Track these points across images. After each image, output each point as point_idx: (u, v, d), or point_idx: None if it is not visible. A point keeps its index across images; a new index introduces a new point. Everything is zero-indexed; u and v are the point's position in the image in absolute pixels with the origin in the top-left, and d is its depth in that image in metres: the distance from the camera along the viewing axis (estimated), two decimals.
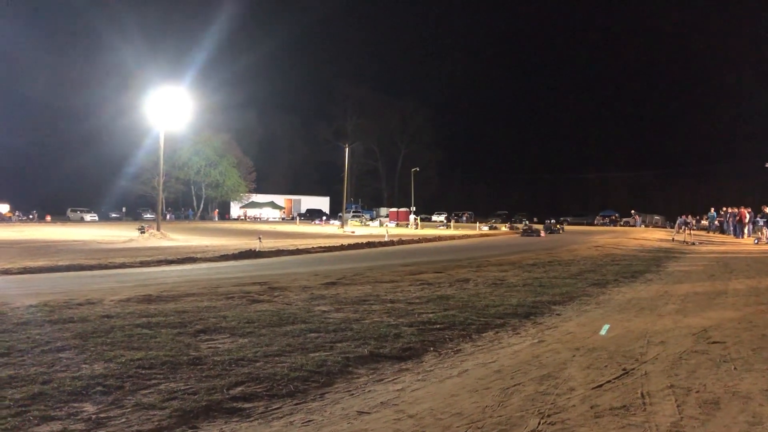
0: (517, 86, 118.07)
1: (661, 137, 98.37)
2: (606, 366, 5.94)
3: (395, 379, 5.64)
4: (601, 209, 78.61)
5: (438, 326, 7.83)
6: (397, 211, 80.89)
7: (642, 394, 5.00)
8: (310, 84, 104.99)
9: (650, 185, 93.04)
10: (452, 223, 61.58)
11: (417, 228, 52.86)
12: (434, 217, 76.77)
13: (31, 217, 69.49)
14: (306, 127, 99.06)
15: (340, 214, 63.49)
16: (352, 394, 5.16)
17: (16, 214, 69.40)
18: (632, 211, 68.99)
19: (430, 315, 8.59)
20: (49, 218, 67.98)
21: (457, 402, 4.93)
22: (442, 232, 45.18)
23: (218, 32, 69.36)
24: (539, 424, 4.35)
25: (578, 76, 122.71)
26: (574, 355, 6.43)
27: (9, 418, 4.25)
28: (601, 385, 5.27)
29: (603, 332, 7.63)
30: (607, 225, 66.91)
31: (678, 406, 4.67)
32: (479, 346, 7.00)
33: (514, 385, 5.35)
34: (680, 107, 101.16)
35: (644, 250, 25.39)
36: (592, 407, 4.68)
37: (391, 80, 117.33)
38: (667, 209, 71.77)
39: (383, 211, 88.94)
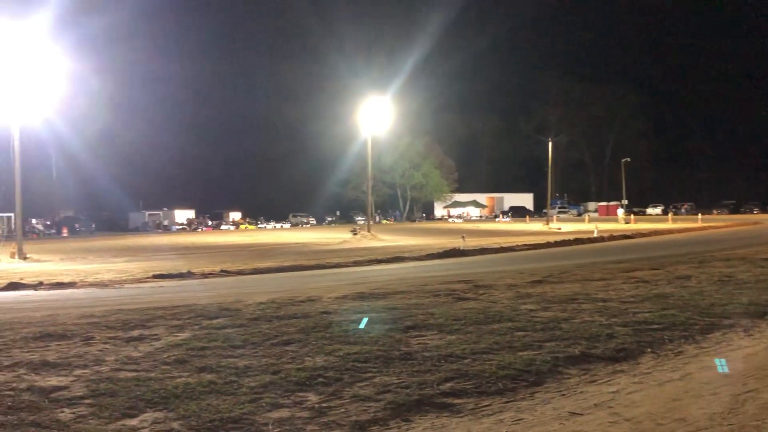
0: (743, 64, 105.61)
1: None
2: None
3: (609, 380, 5.38)
4: None
5: (655, 326, 7.32)
6: (607, 205, 77.03)
7: None
8: (510, 80, 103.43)
9: None
10: (670, 216, 57.07)
11: (629, 222, 49.85)
12: (649, 210, 71.87)
13: (258, 222, 76.82)
14: (507, 124, 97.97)
15: (544, 210, 61.94)
16: (563, 395, 5.01)
17: (247, 220, 77.21)
18: None
19: (647, 314, 8.06)
20: (273, 223, 74.73)
21: (679, 407, 4.58)
22: (659, 225, 42.12)
23: (424, 43, 71.17)
24: None
25: None
26: None
27: (246, 404, 4.73)
28: None
29: None
30: None
31: None
32: (704, 348, 6.43)
33: (748, 392, 4.84)
34: None
35: None
36: None
37: (596, 67, 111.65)
38: None
39: (591, 205, 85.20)
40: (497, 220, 72.03)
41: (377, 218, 76.41)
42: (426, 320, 7.84)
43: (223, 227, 68.98)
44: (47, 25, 24.22)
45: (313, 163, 78.59)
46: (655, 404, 4.68)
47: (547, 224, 48.53)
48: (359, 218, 73.85)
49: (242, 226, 70.95)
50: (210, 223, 72.77)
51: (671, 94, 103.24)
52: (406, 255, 20.77)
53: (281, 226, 72.03)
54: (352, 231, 37.79)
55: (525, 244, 24.54)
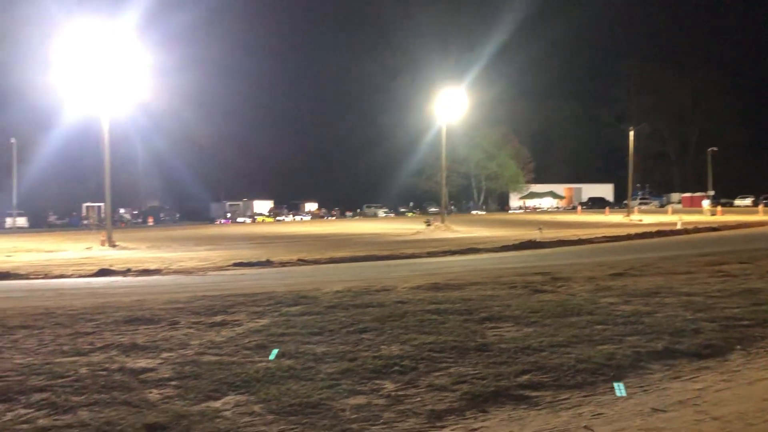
0: None
1: None
2: None
3: (694, 377, 5.18)
4: None
5: (745, 322, 6.99)
6: (691, 197, 73.97)
7: None
8: (590, 67, 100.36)
9: None
10: (761, 207, 54.18)
11: (715, 214, 47.69)
12: (737, 201, 68.51)
13: (333, 213, 78.02)
14: (586, 113, 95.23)
15: (625, 201, 60.04)
16: (645, 390, 4.86)
17: (323, 211, 78.55)
18: None
19: (735, 310, 7.70)
20: (349, 214, 75.68)
21: None
22: (748, 218, 40.09)
23: (502, 30, 70.21)
24: None
25: None
26: None
27: (324, 390, 4.83)
28: None
29: None
30: None
31: None
32: None
33: None
34: None
35: None
36: None
37: (681, 53, 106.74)
38: None
39: (674, 196, 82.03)
40: (575, 211, 70.34)
41: (451, 209, 76.14)
42: (502, 312, 7.76)
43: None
44: (133, 23, 25.33)
45: (387, 153, 78.94)
46: (745, 403, 4.47)
47: (628, 216, 47.01)
48: (433, 209, 73.76)
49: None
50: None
51: (762, 80, 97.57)
52: (480, 246, 20.59)
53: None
54: (425, 222, 37.78)
55: (604, 236, 23.88)
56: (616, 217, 47.52)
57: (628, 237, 24.04)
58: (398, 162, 77.50)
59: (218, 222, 67.48)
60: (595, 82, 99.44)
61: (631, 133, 52.53)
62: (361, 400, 4.66)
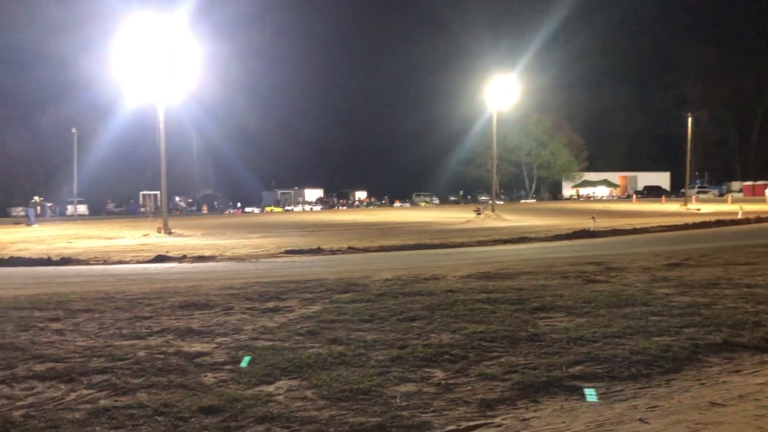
0: None
1: None
2: None
3: (756, 371, 5.02)
4: None
5: None
6: (753, 185, 71.42)
7: None
8: (646, 52, 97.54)
9: None
10: None
11: None
12: None
13: (383, 202, 78.23)
14: (642, 99, 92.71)
15: (682, 190, 58.35)
16: (703, 384, 4.74)
17: (372, 199, 78.84)
18: None
19: None
20: (397, 203, 75.75)
21: None
22: None
23: (555, 16, 68.88)
24: None
25: None
26: None
27: (374, 377, 4.86)
28: None
29: None
30: None
31: None
32: None
33: None
34: None
35: None
36: None
37: (742, 35, 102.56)
38: None
39: (735, 185, 79.27)
40: (630, 200, 68.71)
41: (501, 198, 75.36)
42: (554, 302, 7.66)
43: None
44: (188, 14, 25.81)
45: (437, 142, 78.64)
46: None
47: (685, 205, 45.65)
48: (483, 198, 73.12)
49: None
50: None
51: None
52: (531, 235, 20.33)
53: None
54: (475, 210, 37.52)
55: (660, 226, 23.25)
56: (672, 206, 46.19)
57: (685, 226, 23.35)
58: (448, 150, 77.18)
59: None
60: (652, 68, 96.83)
61: (690, 120, 50.89)
62: (411, 387, 4.67)
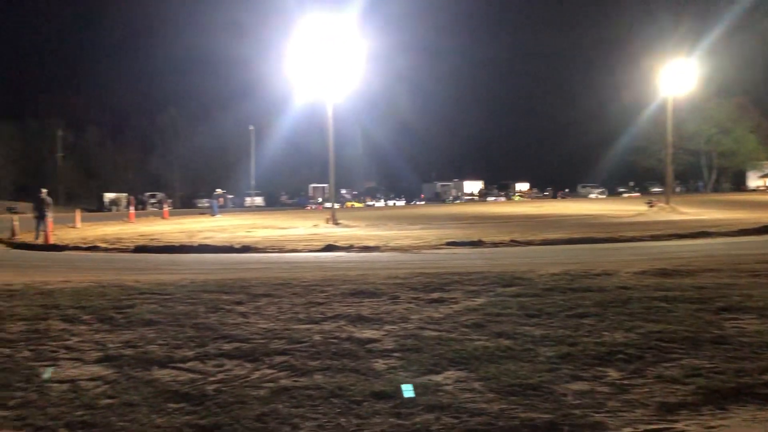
0: None
1: None
2: None
3: None
4: None
5: None
6: None
7: None
8: None
9: None
10: None
11: None
12: None
13: (546, 193, 76.18)
14: None
15: None
16: None
17: (534, 191, 77.06)
18: None
19: None
20: (561, 194, 73.40)
21: None
22: None
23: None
24: None
25: None
26: None
27: (544, 373, 4.75)
28: None
29: None
30: None
31: None
32: None
33: None
34: None
35: None
36: None
37: None
38: None
39: None
40: None
41: (677, 189, 70.35)
42: (742, 302, 7.02)
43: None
44: (355, 12, 26.76)
45: (602, 130, 75.04)
46: None
47: None
48: (656, 189, 68.67)
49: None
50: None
51: None
52: (712, 230, 18.80)
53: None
54: (647, 203, 35.42)
55: None
56: None
57: None
58: (614, 139, 73.30)
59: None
60: None
61: None
62: (583, 386, 4.51)
